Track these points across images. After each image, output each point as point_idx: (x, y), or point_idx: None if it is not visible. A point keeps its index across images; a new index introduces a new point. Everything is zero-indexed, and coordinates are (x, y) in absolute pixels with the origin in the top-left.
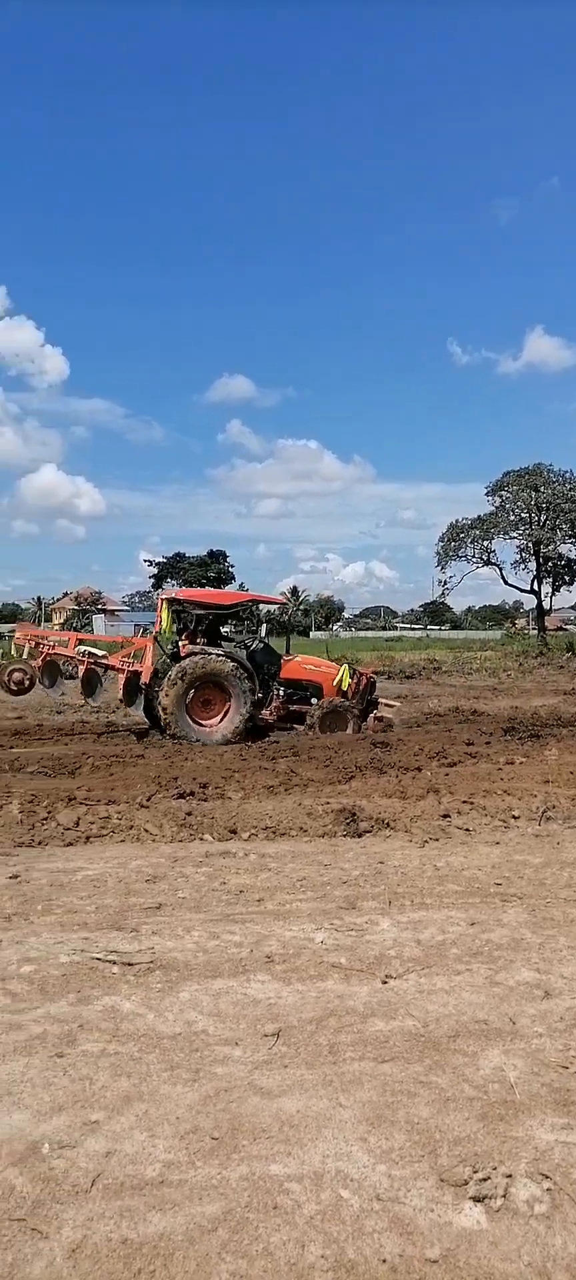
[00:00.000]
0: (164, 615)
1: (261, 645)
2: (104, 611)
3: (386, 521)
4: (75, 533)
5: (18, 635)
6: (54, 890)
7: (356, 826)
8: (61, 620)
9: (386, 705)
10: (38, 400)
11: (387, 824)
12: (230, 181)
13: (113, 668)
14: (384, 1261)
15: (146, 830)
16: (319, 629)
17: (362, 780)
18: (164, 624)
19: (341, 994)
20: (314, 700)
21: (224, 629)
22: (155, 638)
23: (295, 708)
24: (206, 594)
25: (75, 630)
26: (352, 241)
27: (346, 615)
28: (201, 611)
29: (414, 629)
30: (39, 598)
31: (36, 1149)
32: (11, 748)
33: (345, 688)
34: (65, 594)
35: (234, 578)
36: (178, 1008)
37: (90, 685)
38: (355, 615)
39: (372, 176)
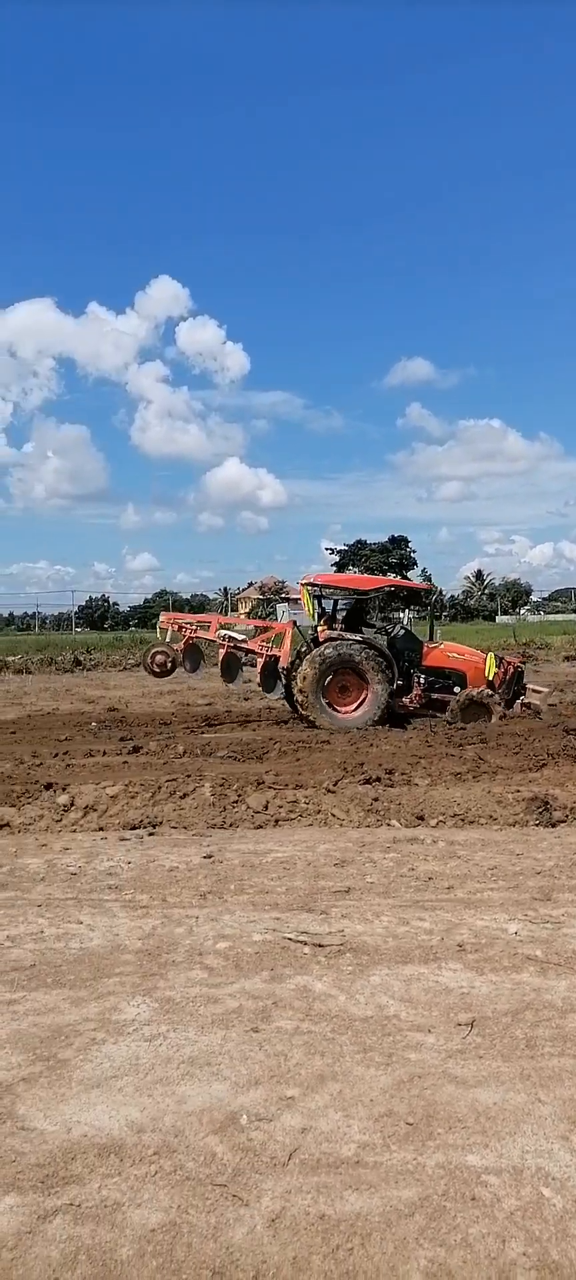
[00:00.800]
0: (306, 600)
1: (403, 632)
2: (287, 600)
3: None
4: (258, 524)
5: (162, 620)
6: (245, 871)
7: (550, 816)
8: (247, 610)
9: (534, 691)
10: (220, 396)
11: None
12: (394, 159)
13: (252, 652)
14: None
15: (333, 815)
16: (505, 613)
17: (555, 768)
18: (307, 609)
19: (538, 987)
20: (456, 689)
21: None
22: (295, 623)
23: (437, 696)
24: (344, 579)
25: (260, 619)
26: (529, 216)
27: (534, 598)
28: (339, 596)
29: None
30: (225, 588)
31: (235, 1119)
32: (202, 733)
33: (491, 677)
34: (250, 584)
35: (416, 563)
36: (369, 991)
37: (229, 669)
38: (543, 598)
39: (553, 147)
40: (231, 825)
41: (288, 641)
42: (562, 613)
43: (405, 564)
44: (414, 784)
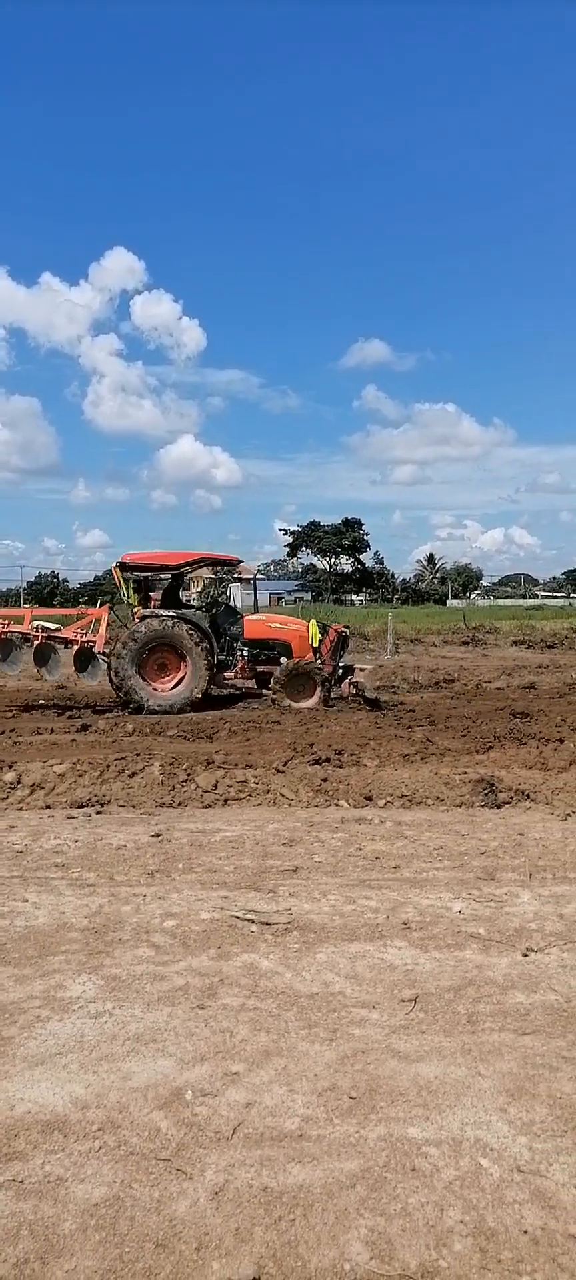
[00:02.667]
0: (119, 581)
1: (222, 607)
2: (240, 580)
3: (527, 486)
4: (212, 502)
5: None
6: (194, 850)
7: (495, 797)
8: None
9: (360, 670)
10: (176, 373)
11: (528, 795)
12: (357, 136)
13: (67, 640)
14: (525, 1233)
15: (283, 795)
16: (456, 597)
17: (501, 751)
18: (121, 590)
19: (480, 964)
20: (283, 660)
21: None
22: (111, 606)
23: (263, 669)
24: (154, 556)
25: (212, 598)
26: (493, 200)
27: (484, 583)
28: (152, 574)
29: (556, 597)
30: None
31: (180, 1095)
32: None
33: (315, 644)
34: None
35: (368, 545)
36: (315, 968)
37: (43, 658)
38: (494, 583)
39: (513, 132)
40: (180, 804)
41: (103, 626)
42: (511, 598)
43: (358, 546)
44: (363, 765)
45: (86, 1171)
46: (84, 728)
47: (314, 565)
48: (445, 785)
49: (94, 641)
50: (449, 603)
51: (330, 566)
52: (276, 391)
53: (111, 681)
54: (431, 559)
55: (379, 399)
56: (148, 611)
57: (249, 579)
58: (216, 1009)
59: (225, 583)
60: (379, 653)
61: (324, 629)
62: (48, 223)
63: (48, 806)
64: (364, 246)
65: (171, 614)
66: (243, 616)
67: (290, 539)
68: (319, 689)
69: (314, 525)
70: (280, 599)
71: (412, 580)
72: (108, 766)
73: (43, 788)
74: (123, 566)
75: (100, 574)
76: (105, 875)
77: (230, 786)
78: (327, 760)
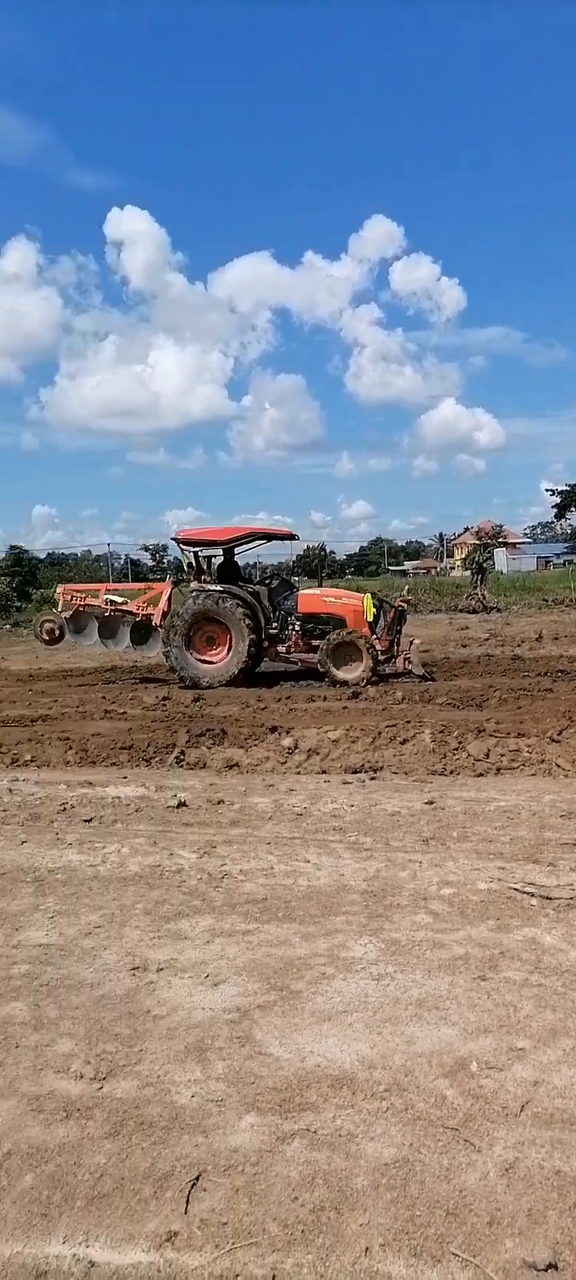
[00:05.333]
0: (183, 556)
1: (277, 580)
2: (505, 545)
3: None
4: (475, 466)
5: (57, 591)
6: (468, 819)
7: None
8: (463, 555)
9: (413, 644)
10: (436, 336)
11: None
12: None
13: (131, 613)
14: None
15: (558, 765)
16: None
17: None
18: (184, 563)
19: None
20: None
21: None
22: (174, 581)
23: (317, 642)
24: (206, 531)
25: (477, 564)
26: None
27: None
28: (200, 549)
29: None
30: (440, 534)
31: (465, 1065)
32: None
33: (370, 619)
34: (466, 529)
35: None
36: None
37: (110, 630)
38: None
39: None
40: (452, 772)
41: (164, 600)
42: None
43: None
44: None
45: (375, 1131)
46: (355, 695)
47: None
48: None
49: (152, 614)
50: None
51: None
52: (542, 345)
53: (164, 654)
54: None
55: None
56: (196, 586)
57: (514, 543)
58: (498, 982)
59: (490, 548)
60: None
61: (381, 604)
62: (309, 201)
63: (323, 771)
64: None
65: (219, 589)
66: (298, 590)
67: (558, 499)
68: (365, 659)
69: None
70: (548, 563)
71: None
72: (379, 733)
73: (318, 753)
74: (179, 542)
75: (365, 544)
76: (381, 840)
77: (502, 755)
78: None
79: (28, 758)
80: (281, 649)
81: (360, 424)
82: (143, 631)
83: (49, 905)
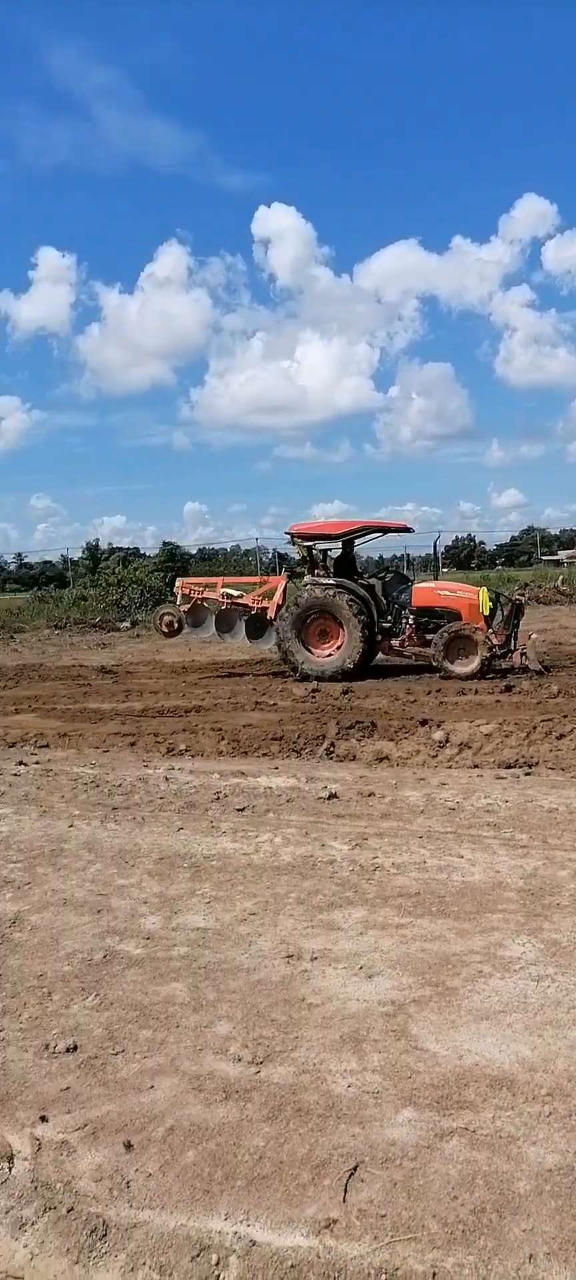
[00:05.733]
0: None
1: (392, 574)
2: None
3: None
4: None
5: (177, 585)
6: None
7: None
8: None
9: (530, 639)
10: None
11: None
12: None
13: (247, 607)
14: None
15: None
16: None
17: None
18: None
19: None
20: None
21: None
22: (289, 575)
23: (431, 636)
24: (317, 526)
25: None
26: None
27: None
28: (311, 544)
29: None
30: None
31: None
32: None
33: (486, 613)
34: None
35: None
36: None
37: (227, 623)
38: None
39: None
40: None
41: (279, 594)
42: None
43: None
44: None
45: (538, 1135)
46: (508, 689)
47: None
48: None
49: (267, 608)
50: None
51: None
52: None
53: (276, 646)
54: None
55: None
56: (310, 580)
57: None
58: None
59: None
60: None
61: (497, 597)
62: (457, 185)
63: (476, 766)
64: None
65: (332, 582)
66: (412, 584)
67: None
68: (480, 653)
69: None
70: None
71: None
72: (534, 728)
73: (470, 747)
74: (293, 536)
75: (516, 534)
76: (538, 838)
77: None
78: None
79: (182, 747)
80: (395, 643)
81: (511, 410)
82: (258, 624)
83: (205, 891)
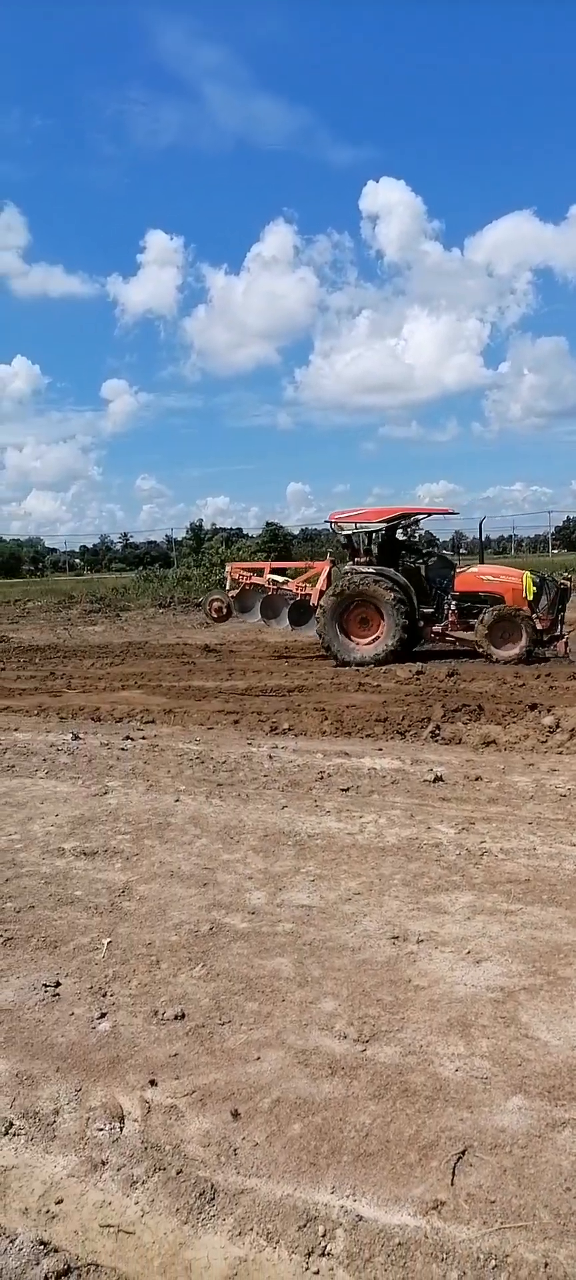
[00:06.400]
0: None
1: (434, 559)
2: None
3: None
4: None
5: (227, 570)
6: None
7: None
8: None
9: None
10: None
11: None
12: None
13: (291, 592)
14: None
15: None
16: None
17: None
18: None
19: None
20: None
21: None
22: (333, 562)
23: (474, 621)
24: (356, 513)
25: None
26: None
27: None
28: (362, 531)
29: None
30: None
31: None
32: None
33: (530, 597)
34: None
35: None
36: None
37: (273, 609)
38: None
39: None
40: None
41: (322, 580)
42: None
43: None
44: None
45: None
46: None
47: None
48: None
49: (310, 594)
50: None
51: None
52: None
53: (317, 633)
54: None
55: None
56: (349, 567)
57: None
58: None
59: None
60: None
61: (541, 581)
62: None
63: None
64: None
65: (371, 570)
66: (456, 569)
67: None
68: (524, 637)
69: None
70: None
71: None
72: None
73: None
74: (332, 523)
75: None
76: None
77: None
78: None
79: (285, 726)
80: (437, 628)
81: None
82: (301, 611)
83: (310, 869)
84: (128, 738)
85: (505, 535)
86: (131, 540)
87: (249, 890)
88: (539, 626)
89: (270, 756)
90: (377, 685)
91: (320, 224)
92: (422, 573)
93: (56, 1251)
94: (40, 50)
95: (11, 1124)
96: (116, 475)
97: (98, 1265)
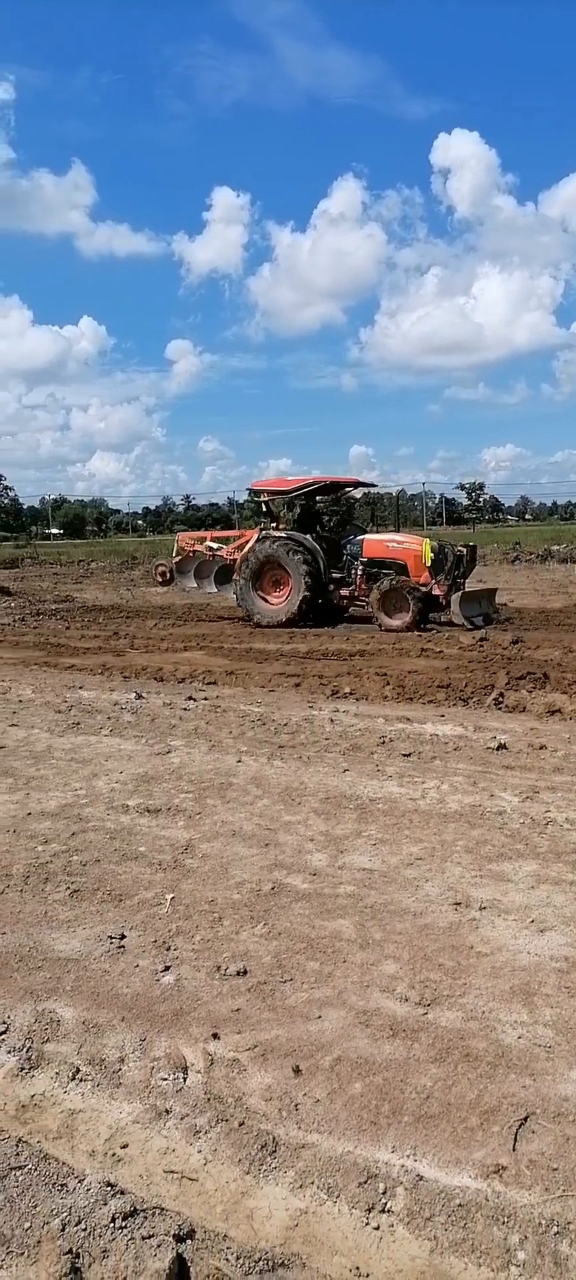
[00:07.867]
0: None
1: (346, 527)
2: None
3: None
4: None
5: (177, 539)
6: None
7: None
8: None
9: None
10: None
11: None
12: None
13: (222, 557)
14: None
15: None
16: None
17: None
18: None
19: None
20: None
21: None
22: (261, 529)
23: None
24: (273, 482)
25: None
26: None
27: None
28: (276, 499)
29: None
30: None
31: None
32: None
33: (428, 564)
34: None
35: None
36: None
37: (205, 573)
38: None
39: None
40: None
41: (248, 548)
42: None
43: None
44: None
45: None
46: None
47: None
48: None
49: (236, 559)
50: None
51: None
52: None
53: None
54: None
55: None
56: (263, 533)
57: None
58: None
59: None
60: None
61: (441, 548)
62: None
63: None
64: None
65: (283, 536)
66: (365, 537)
67: None
68: (412, 608)
69: None
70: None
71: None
72: None
73: None
74: (252, 492)
75: None
76: None
77: None
78: None
79: (347, 690)
80: (345, 592)
81: None
82: (227, 573)
83: (371, 833)
84: (190, 698)
85: (573, 501)
86: (193, 502)
87: (310, 852)
88: (435, 592)
89: (331, 720)
90: (440, 651)
91: (390, 179)
92: (337, 540)
93: (123, 1194)
94: (109, 5)
95: (78, 1069)
96: (179, 436)
97: (163, 1209)
